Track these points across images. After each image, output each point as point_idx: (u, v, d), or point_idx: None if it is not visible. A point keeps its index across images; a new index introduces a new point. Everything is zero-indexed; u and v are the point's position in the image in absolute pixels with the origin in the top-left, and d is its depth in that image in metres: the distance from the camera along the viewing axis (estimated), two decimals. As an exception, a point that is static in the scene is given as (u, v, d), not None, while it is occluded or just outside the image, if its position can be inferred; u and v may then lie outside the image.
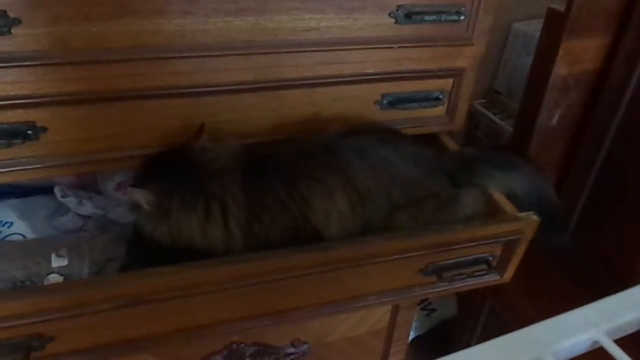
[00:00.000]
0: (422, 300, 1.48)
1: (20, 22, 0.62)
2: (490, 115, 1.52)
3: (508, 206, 0.82)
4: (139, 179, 0.74)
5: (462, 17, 0.82)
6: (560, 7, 0.97)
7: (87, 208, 0.82)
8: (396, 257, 0.75)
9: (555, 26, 0.97)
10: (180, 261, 0.67)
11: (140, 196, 0.71)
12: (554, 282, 1.09)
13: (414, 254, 0.76)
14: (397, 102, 0.88)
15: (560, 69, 0.98)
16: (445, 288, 0.83)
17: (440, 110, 0.92)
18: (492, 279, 0.86)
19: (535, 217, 0.80)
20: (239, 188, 0.73)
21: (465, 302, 1.36)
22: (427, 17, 0.80)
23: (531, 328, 0.43)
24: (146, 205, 0.72)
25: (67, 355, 0.67)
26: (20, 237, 0.78)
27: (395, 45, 0.82)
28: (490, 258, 0.83)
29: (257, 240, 0.73)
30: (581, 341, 0.43)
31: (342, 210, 0.75)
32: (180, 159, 0.74)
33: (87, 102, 0.70)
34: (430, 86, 0.89)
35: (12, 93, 0.66)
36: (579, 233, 1.08)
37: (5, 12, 0.61)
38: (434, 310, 1.49)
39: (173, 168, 0.73)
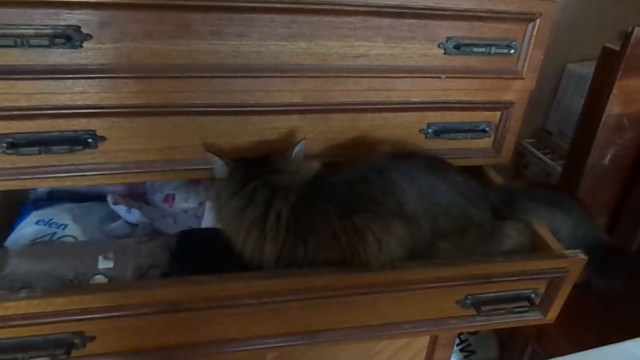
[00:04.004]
0: (462, 341, 1.43)
1: (91, 37, 0.67)
2: (540, 155, 1.49)
3: (553, 243, 0.79)
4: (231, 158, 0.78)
5: (512, 51, 0.82)
6: (615, 46, 0.96)
7: (136, 216, 0.86)
8: (433, 285, 0.74)
9: (609, 64, 0.96)
10: (221, 271, 0.68)
11: (216, 162, 0.76)
12: (602, 329, 1.03)
13: (452, 283, 0.75)
14: (442, 131, 0.88)
15: (614, 107, 0.96)
16: (484, 323, 0.81)
17: (486, 142, 0.92)
18: (534, 317, 0.83)
19: (582, 256, 0.77)
20: (290, 208, 0.74)
21: (506, 345, 1.30)
22: (476, 49, 0.81)
23: (571, 357, 0.42)
24: (218, 174, 0.77)
25: (105, 356, 0.69)
26: (72, 239, 0.82)
27: (443, 76, 0.82)
28: (533, 295, 0.80)
29: (297, 265, 0.72)
30: (624, 375, 0.41)
31: (398, 239, 0.73)
32: (266, 161, 0.77)
33: (144, 114, 0.75)
34: (477, 118, 0.89)
35: (78, 103, 0.71)
36: (631, 279, 1.03)
37: (79, 27, 0.66)
38: (473, 352, 1.43)
39: (257, 164, 0.77)
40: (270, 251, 0.73)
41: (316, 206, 0.74)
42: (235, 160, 0.77)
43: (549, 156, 1.48)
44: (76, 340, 0.66)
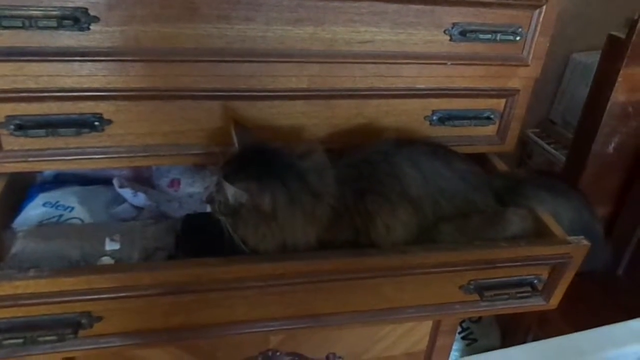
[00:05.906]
0: (464, 329, 1.44)
1: (98, 19, 0.67)
2: (544, 144, 1.49)
3: (557, 229, 0.80)
4: (235, 176, 0.68)
5: (518, 38, 0.82)
6: (621, 34, 0.96)
7: (141, 200, 0.86)
8: (436, 270, 0.74)
9: (615, 52, 0.96)
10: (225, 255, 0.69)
11: (241, 196, 0.67)
12: (605, 316, 1.03)
13: (455, 268, 0.75)
14: (447, 118, 0.88)
15: (619, 95, 0.96)
16: (487, 308, 0.82)
17: (491, 129, 0.92)
18: (537, 303, 0.83)
19: (585, 242, 0.77)
20: (335, 189, 0.73)
21: (508, 332, 1.31)
22: (482, 36, 0.81)
23: (576, 335, 0.42)
24: (236, 200, 0.68)
25: (112, 337, 0.70)
26: (79, 222, 0.83)
27: (449, 62, 0.82)
28: (536, 281, 0.80)
29: (325, 249, 0.72)
30: (628, 353, 0.42)
31: (404, 224, 0.75)
32: (274, 158, 0.72)
33: (150, 98, 0.75)
34: (481, 105, 0.89)
35: (85, 85, 0.72)
36: (634, 266, 1.03)
37: (86, 10, 0.67)
38: (475, 340, 1.44)
39: (270, 166, 0.71)
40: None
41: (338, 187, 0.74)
42: (249, 182, 0.68)
43: (552, 146, 1.48)
44: (83, 320, 0.67)
